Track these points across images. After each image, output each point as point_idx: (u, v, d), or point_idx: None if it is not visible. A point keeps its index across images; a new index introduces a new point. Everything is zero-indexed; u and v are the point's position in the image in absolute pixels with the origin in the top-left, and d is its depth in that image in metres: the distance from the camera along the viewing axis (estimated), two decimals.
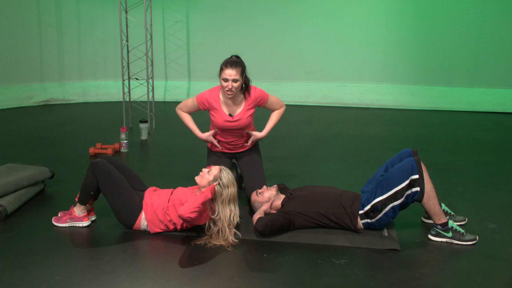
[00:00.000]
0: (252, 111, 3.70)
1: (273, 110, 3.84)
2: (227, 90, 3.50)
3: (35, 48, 7.67)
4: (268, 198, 3.41)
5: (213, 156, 3.90)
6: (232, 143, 3.82)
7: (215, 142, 3.77)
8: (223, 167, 3.26)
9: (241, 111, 3.66)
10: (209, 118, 3.77)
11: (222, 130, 3.73)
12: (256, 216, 3.26)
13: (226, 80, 3.48)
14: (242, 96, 3.66)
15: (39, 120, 6.71)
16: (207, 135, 3.77)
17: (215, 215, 3.15)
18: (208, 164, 3.88)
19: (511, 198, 4.00)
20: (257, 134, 3.79)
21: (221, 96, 3.67)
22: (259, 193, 3.45)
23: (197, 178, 3.26)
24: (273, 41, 8.03)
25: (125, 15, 6.20)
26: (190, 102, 3.76)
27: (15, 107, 7.42)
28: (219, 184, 3.14)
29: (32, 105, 7.62)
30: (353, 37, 7.89)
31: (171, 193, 3.30)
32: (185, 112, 3.81)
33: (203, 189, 3.19)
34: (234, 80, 3.47)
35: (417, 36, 7.76)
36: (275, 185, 3.55)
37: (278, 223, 3.20)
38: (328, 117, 7.20)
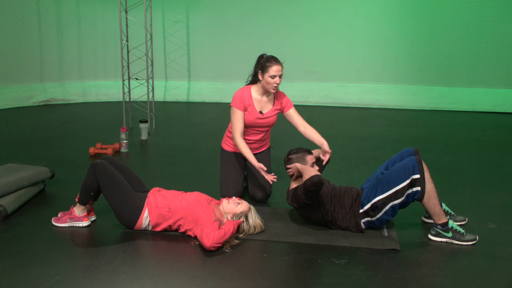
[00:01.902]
0: (278, 111, 3.86)
1: (294, 122, 3.85)
2: (274, 86, 3.64)
3: (35, 48, 7.67)
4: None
5: (227, 154, 3.93)
6: (251, 143, 3.87)
7: (263, 172, 3.66)
8: (252, 206, 3.30)
9: (270, 109, 3.82)
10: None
11: (250, 127, 3.81)
12: (312, 171, 3.24)
13: (274, 76, 3.61)
14: (273, 94, 3.82)
15: (39, 120, 6.71)
16: (259, 165, 3.64)
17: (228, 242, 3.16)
18: (224, 163, 3.92)
19: (511, 198, 4.00)
20: (325, 144, 3.67)
21: (253, 94, 3.77)
22: (313, 164, 3.45)
23: (224, 201, 3.28)
24: (273, 41, 8.02)
25: (125, 15, 6.20)
26: (234, 116, 3.70)
27: (15, 107, 7.42)
28: (244, 222, 3.22)
29: (32, 105, 7.61)
30: (353, 37, 7.89)
31: (181, 194, 3.30)
32: (240, 131, 3.70)
33: (223, 213, 3.21)
34: (280, 76, 3.63)
35: (417, 36, 7.76)
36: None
37: (317, 195, 3.18)
38: (328, 117, 7.20)
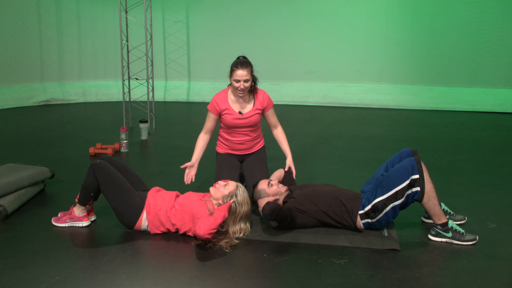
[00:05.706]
0: (260, 111, 3.83)
1: (269, 123, 3.95)
2: (239, 90, 3.64)
3: (35, 48, 7.67)
4: (274, 192, 3.41)
5: (221, 156, 3.93)
6: (241, 143, 3.88)
7: (188, 171, 3.79)
8: (239, 184, 3.28)
9: (251, 109, 3.80)
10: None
11: (232, 128, 3.82)
12: (264, 200, 3.28)
13: (237, 81, 3.60)
14: (252, 95, 3.79)
15: (39, 120, 6.72)
16: (189, 164, 3.80)
17: (224, 229, 3.15)
18: (218, 164, 3.92)
19: (511, 198, 4.00)
20: (289, 159, 3.83)
21: (229, 96, 3.77)
22: (270, 184, 3.44)
23: (211, 189, 3.26)
24: (273, 41, 8.03)
25: (125, 15, 6.20)
26: (207, 117, 3.82)
27: (15, 107, 7.42)
28: (234, 202, 3.16)
29: (32, 105, 7.62)
30: (353, 37, 7.89)
31: (176, 196, 3.29)
32: (204, 133, 3.84)
33: (215, 201, 3.19)
34: (245, 80, 3.60)
35: (417, 36, 7.76)
36: (285, 187, 3.54)
37: (284, 213, 3.17)
38: (328, 117, 7.20)
